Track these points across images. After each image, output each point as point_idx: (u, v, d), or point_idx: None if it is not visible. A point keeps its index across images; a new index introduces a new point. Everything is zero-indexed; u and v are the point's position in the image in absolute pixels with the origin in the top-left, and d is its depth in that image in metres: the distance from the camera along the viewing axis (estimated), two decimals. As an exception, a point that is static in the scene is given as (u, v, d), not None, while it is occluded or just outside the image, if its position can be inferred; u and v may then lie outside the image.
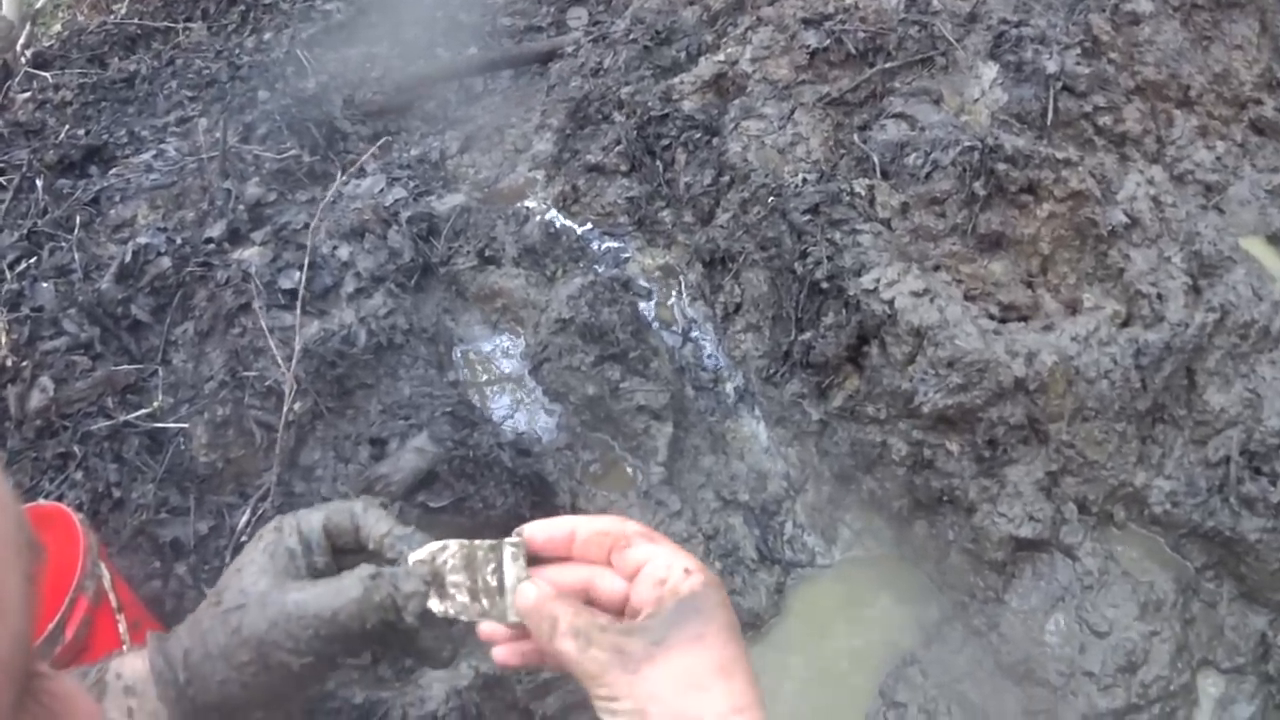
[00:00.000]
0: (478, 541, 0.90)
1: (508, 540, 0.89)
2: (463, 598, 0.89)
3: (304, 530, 0.96)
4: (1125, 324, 2.30)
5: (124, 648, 1.79)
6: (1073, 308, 2.32)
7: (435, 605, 0.90)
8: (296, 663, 0.91)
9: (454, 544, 0.91)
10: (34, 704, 0.61)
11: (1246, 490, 2.19)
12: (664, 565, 0.86)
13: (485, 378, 2.44)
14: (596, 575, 0.90)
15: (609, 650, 0.82)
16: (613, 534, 0.89)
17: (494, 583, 0.89)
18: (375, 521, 0.97)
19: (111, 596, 1.83)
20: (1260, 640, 2.17)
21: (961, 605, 2.18)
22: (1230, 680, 2.16)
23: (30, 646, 0.58)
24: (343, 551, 0.99)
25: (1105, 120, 2.51)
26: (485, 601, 0.89)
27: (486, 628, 0.89)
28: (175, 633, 0.98)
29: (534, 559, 0.90)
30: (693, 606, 0.83)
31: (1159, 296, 2.31)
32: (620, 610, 0.88)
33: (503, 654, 0.89)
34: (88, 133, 3.13)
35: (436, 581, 0.90)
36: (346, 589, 0.90)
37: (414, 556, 0.92)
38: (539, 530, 0.91)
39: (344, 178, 2.58)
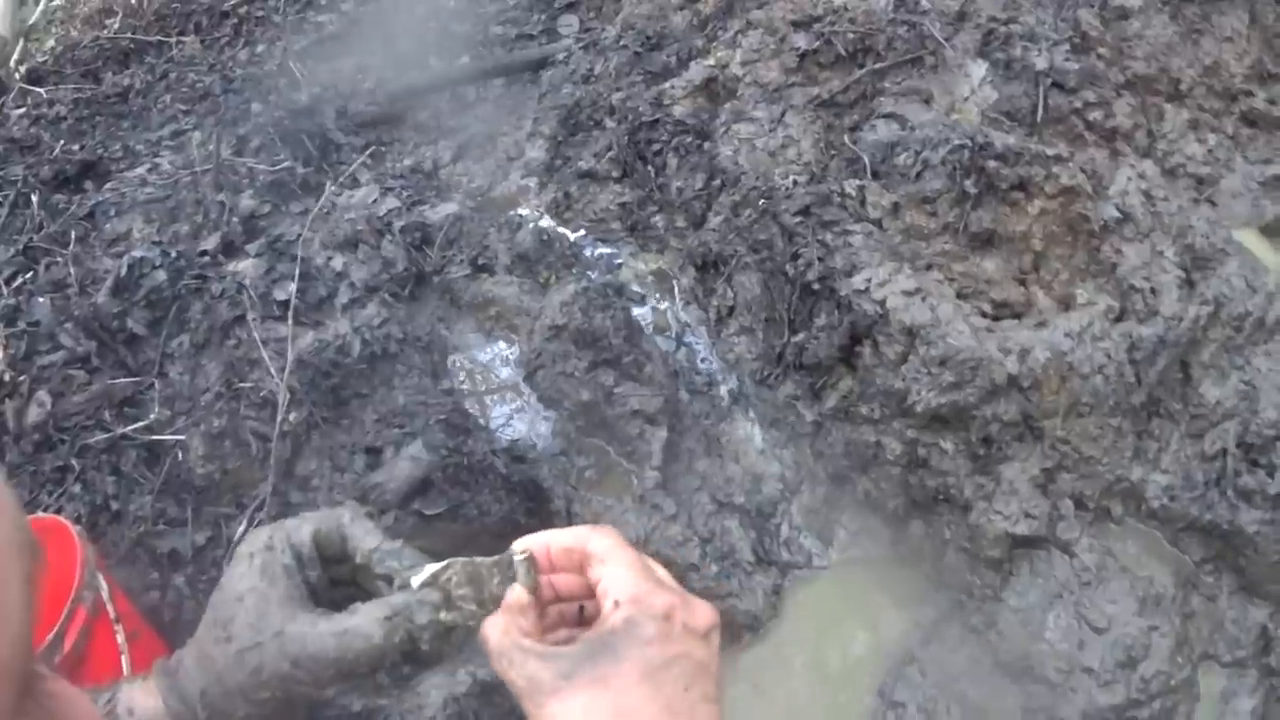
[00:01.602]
0: (479, 559, 0.93)
1: (518, 555, 0.91)
2: (469, 607, 0.92)
3: (295, 544, 0.97)
4: (1119, 319, 2.30)
5: (123, 659, 1.81)
6: (1066, 304, 2.32)
7: (444, 615, 0.92)
8: (318, 694, 0.93)
9: (457, 563, 0.93)
10: (33, 705, 0.62)
11: (1244, 483, 2.18)
12: (604, 592, 0.85)
13: (480, 386, 2.45)
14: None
15: (524, 677, 0.81)
16: (577, 551, 0.90)
17: (500, 593, 0.92)
18: (363, 535, 0.99)
19: (109, 607, 1.83)
20: (1261, 633, 2.16)
21: (959, 604, 2.17)
22: (1232, 674, 2.15)
23: (30, 648, 0.59)
24: (331, 561, 1.00)
25: (1095, 115, 2.51)
26: (492, 608, 0.91)
27: None
28: (182, 666, 0.98)
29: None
30: (606, 644, 0.81)
31: (1152, 290, 2.31)
32: None
33: None
34: (82, 148, 3.14)
35: (444, 599, 0.92)
36: (366, 633, 0.90)
37: (417, 580, 0.94)
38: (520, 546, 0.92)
39: (334, 188, 2.59)
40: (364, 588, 1.01)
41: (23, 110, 3.41)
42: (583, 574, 0.90)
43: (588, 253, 2.63)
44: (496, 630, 0.85)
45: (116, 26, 3.80)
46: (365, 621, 0.91)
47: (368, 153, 2.87)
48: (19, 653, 0.56)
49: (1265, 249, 2.58)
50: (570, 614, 0.92)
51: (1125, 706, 2.04)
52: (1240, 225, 2.59)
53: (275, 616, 0.93)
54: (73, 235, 2.73)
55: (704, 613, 0.85)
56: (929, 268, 2.27)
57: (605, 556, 0.87)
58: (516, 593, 0.89)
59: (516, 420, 2.36)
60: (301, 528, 0.98)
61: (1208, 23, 2.77)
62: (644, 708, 0.78)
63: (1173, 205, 2.45)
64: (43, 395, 2.38)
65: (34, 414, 2.36)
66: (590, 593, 0.90)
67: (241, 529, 2.20)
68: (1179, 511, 2.19)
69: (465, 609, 0.92)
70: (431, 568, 0.94)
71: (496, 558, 0.92)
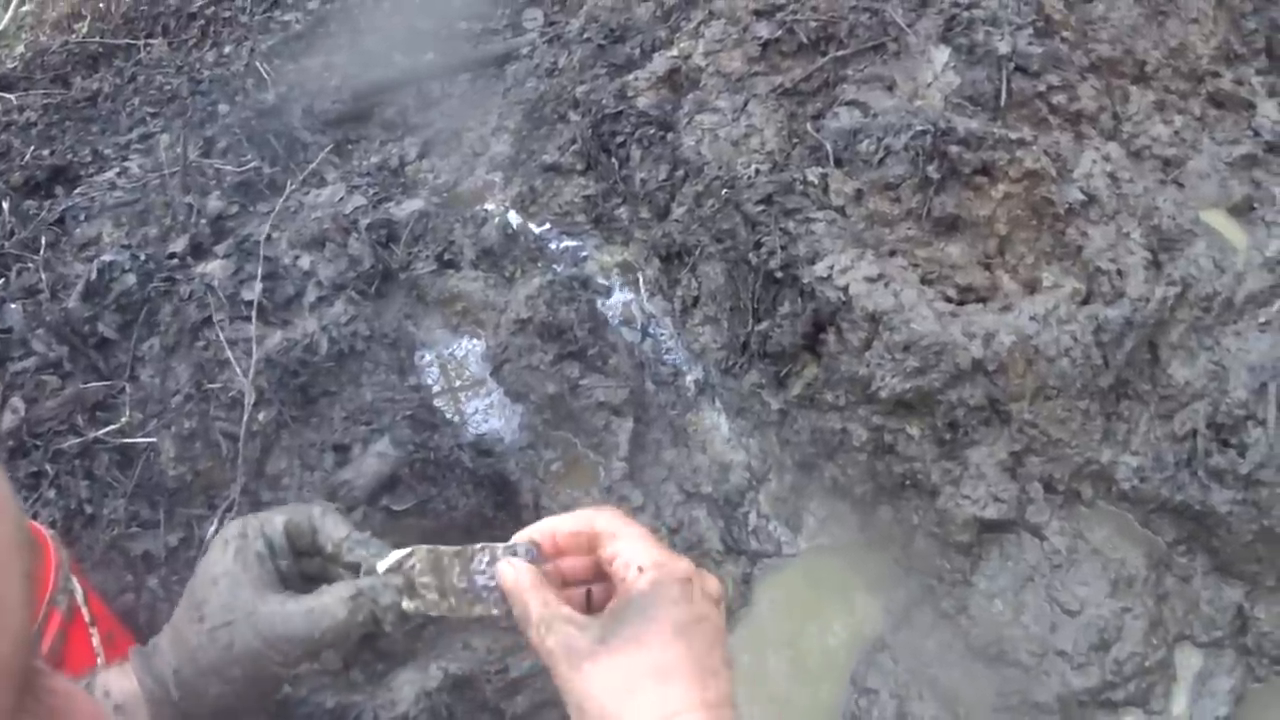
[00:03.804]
0: (442, 548, 0.97)
1: (518, 544, 0.94)
2: (432, 595, 0.96)
3: (267, 534, 1.01)
4: (1085, 301, 2.30)
5: (99, 660, 1.82)
6: (1032, 287, 2.32)
7: (405, 604, 0.97)
8: (288, 672, 0.98)
9: (421, 549, 0.97)
10: (34, 702, 0.63)
11: (1215, 463, 2.18)
12: (624, 563, 0.88)
13: (447, 381, 2.45)
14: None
15: (561, 644, 0.85)
16: (585, 534, 0.93)
17: (461, 585, 0.95)
18: (333, 526, 1.04)
19: (84, 610, 1.83)
20: (1237, 613, 2.16)
21: (929, 589, 2.18)
22: (1208, 654, 2.15)
23: (30, 644, 0.60)
24: (302, 554, 1.04)
25: (1059, 99, 2.50)
26: (453, 599, 0.95)
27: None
28: (158, 648, 1.01)
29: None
30: (637, 607, 0.84)
31: (1119, 272, 2.31)
32: None
33: None
34: (52, 153, 3.14)
35: (406, 585, 0.96)
36: (332, 611, 0.95)
37: (382, 565, 0.98)
38: (521, 538, 0.95)
39: (293, 186, 2.60)
40: (331, 582, 1.04)
41: (-8, 117, 3.42)
42: (592, 554, 0.93)
43: (553, 246, 2.64)
44: (538, 601, 0.88)
45: (85, 31, 3.80)
46: (331, 600, 0.96)
47: (328, 149, 2.87)
48: (20, 648, 0.57)
49: (1233, 229, 2.56)
50: (577, 599, 0.94)
51: (1100, 689, 2.05)
52: (1208, 206, 2.57)
53: (247, 597, 0.97)
54: (43, 241, 2.73)
55: (715, 581, 0.90)
56: (892, 254, 2.27)
57: (617, 531, 0.90)
58: (528, 570, 0.91)
59: (484, 414, 2.36)
60: (274, 518, 1.03)
61: (1173, 4, 2.75)
62: (680, 663, 0.81)
63: (1139, 187, 2.44)
64: (16, 401, 2.38)
65: (7, 420, 2.36)
66: (597, 575, 0.94)
67: (213, 529, 2.21)
68: (1150, 493, 2.19)
69: (428, 598, 0.96)
70: (397, 553, 0.98)
71: (458, 549, 0.96)
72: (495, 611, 0.94)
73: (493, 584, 0.93)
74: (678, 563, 0.88)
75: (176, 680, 0.98)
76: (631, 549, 0.88)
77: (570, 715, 0.85)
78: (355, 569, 1.01)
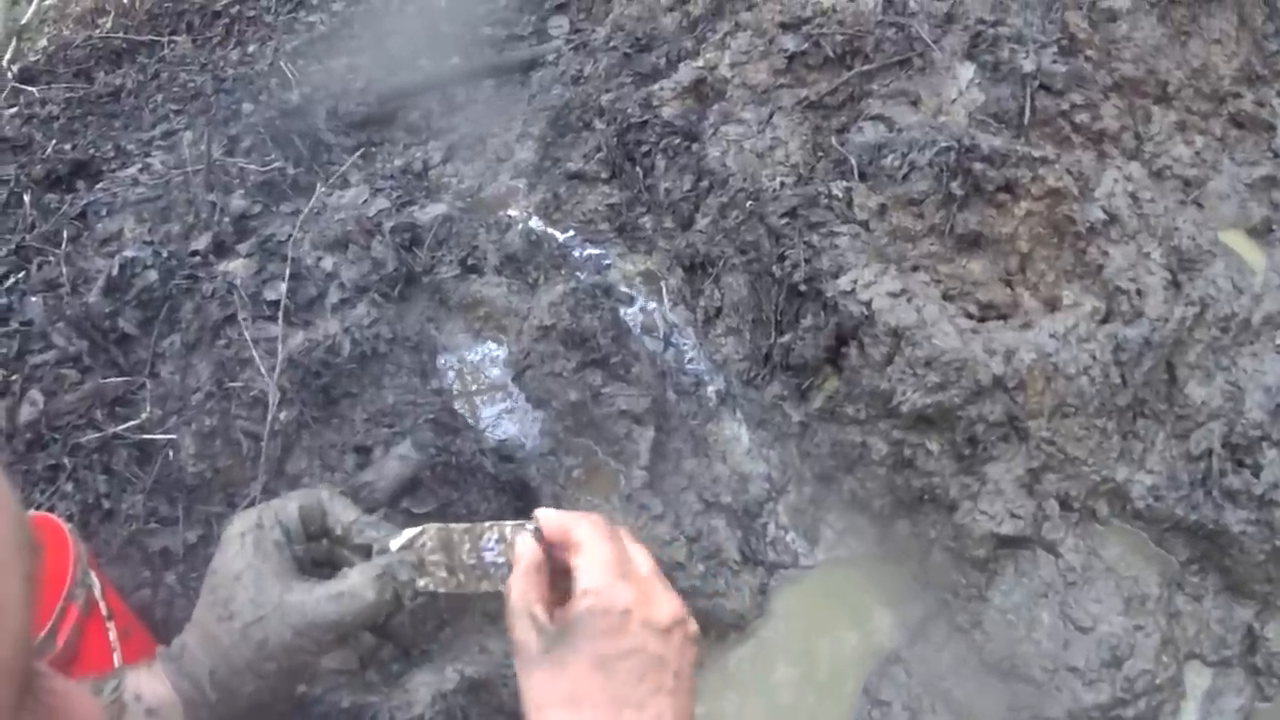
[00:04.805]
0: (452, 525, 1.00)
1: (526, 523, 0.98)
2: (441, 573, 0.99)
3: (283, 521, 1.04)
4: (1105, 320, 2.31)
5: (116, 656, 1.82)
6: (1052, 305, 2.33)
7: (419, 582, 1.00)
8: (318, 659, 1.00)
9: (432, 528, 1.00)
10: (34, 703, 0.63)
11: (1229, 483, 2.20)
12: (576, 579, 0.91)
13: (469, 386, 2.46)
14: None
15: (520, 640, 0.89)
16: (567, 534, 0.95)
17: (470, 561, 0.98)
18: (342, 510, 1.07)
19: (102, 605, 1.84)
20: (1247, 632, 2.18)
21: (944, 603, 2.19)
22: (1218, 673, 2.17)
23: (30, 645, 0.60)
24: (311, 538, 1.08)
25: (1082, 118, 2.52)
26: (462, 576, 0.99)
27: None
28: (187, 649, 1.02)
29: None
30: (567, 631, 0.87)
31: (1138, 292, 2.32)
32: None
33: None
34: (74, 147, 3.15)
35: (417, 562, 1.00)
36: (360, 593, 0.98)
37: (395, 543, 1.01)
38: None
39: (323, 189, 2.60)
40: (337, 565, 1.06)
41: (15, 109, 3.42)
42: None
43: (576, 254, 2.64)
44: (517, 591, 0.90)
45: (109, 26, 3.81)
46: (359, 583, 0.98)
47: (358, 154, 2.88)
48: (20, 650, 0.57)
49: (1252, 250, 2.58)
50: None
51: (1110, 705, 2.06)
52: (1227, 227, 2.59)
53: (273, 589, 0.98)
54: (65, 235, 2.74)
55: (666, 609, 0.90)
56: (915, 269, 2.29)
57: (584, 545, 0.92)
58: (533, 551, 0.94)
59: (505, 420, 2.37)
60: (287, 505, 1.05)
61: (1196, 25, 2.77)
62: (593, 695, 0.83)
63: (1159, 207, 2.46)
64: (35, 394, 2.39)
65: (26, 413, 2.36)
66: None
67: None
68: (1164, 512, 2.21)
69: (437, 575, 0.99)
70: (409, 532, 1.01)
71: (468, 526, 0.99)
72: (501, 588, 0.97)
73: (501, 560, 0.97)
74: (619, 591, 0.87)
75: (212, 681, 1.00)
76: (585, 567, 0.90)
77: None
78: (363, 551, 1.04)
